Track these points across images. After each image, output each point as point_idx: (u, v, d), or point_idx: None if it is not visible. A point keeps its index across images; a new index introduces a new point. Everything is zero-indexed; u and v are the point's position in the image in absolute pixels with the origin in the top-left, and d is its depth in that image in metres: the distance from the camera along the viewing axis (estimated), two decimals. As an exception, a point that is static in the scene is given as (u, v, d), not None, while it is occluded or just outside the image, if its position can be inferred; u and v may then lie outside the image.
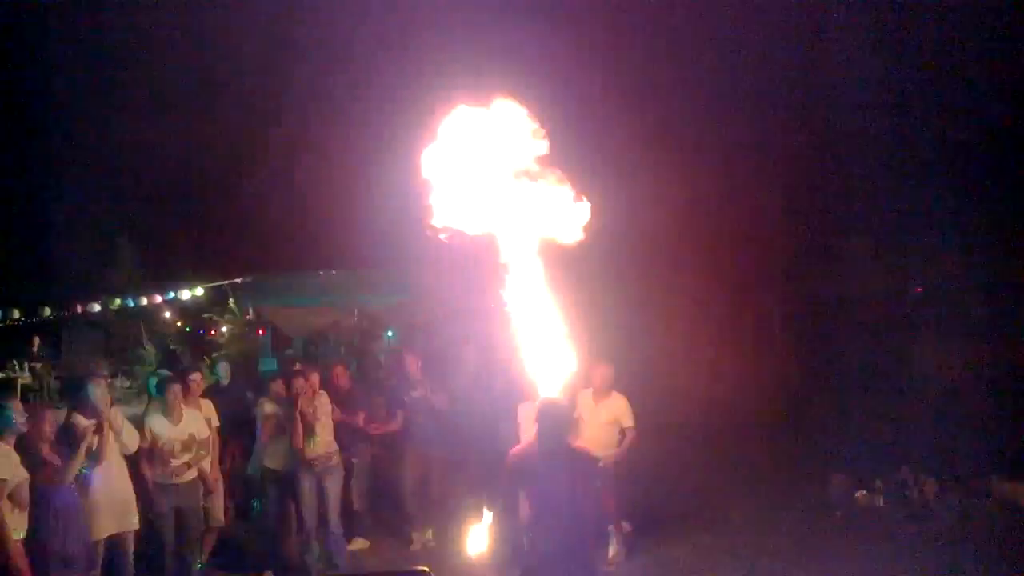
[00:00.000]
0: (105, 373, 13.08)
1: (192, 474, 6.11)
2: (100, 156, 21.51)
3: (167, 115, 22.65)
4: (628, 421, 6.63)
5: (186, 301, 15.35)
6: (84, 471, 5.19)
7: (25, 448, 4.79)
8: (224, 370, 8.29)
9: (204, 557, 6.48)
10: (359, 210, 21.18)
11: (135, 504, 5.55)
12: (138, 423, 5.97)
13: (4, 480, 4.45)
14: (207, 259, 17.20)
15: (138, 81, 22.51)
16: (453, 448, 7.16)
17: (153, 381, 7.43)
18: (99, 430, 5.23)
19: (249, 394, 8.04)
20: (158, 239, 19.46)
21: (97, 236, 19.03)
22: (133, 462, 5.72)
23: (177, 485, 6.00)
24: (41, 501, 4.86)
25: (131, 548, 5.50)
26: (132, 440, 5.61)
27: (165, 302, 15.30)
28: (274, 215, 21.73)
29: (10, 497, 4.49)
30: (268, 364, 12.20)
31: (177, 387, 6.13)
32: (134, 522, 5.51)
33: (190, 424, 6.13)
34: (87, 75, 22.04)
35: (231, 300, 15.42)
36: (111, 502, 5.36)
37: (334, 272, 15.39)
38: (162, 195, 21.38)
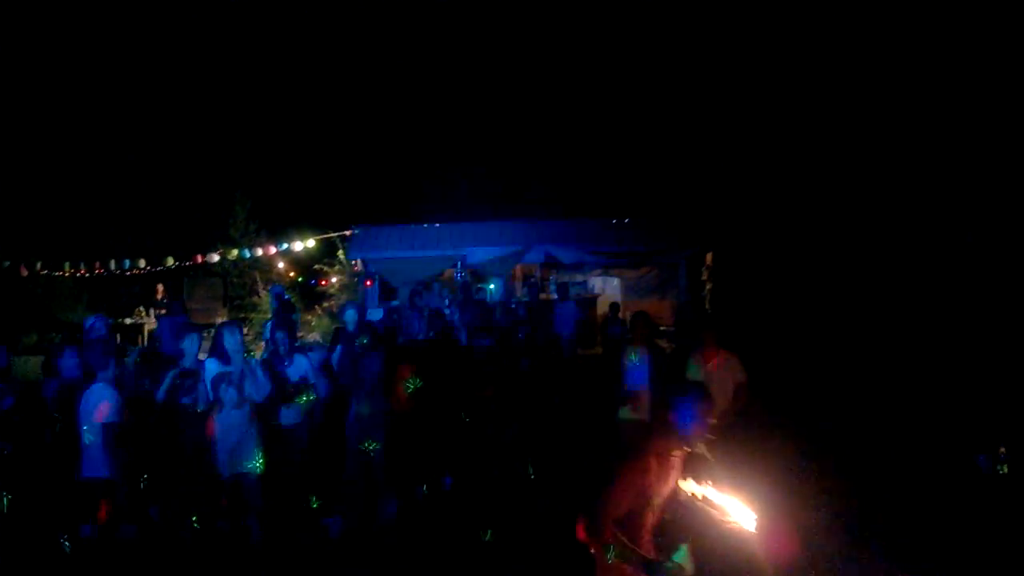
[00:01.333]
0: (229, 320, 13.57)
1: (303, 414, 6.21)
2: (218, 115, 22.33)
3: (278, 76, 23.30)
4: (741, 376, 6.39)
5: (298, 252, 15.84)
6: (213, 414, 5.40)
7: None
8: (352, 318, 7.75)
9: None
10: (465, 162, 21.29)
11: (257, 448, 5.62)
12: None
13: (114, 423, 4.73)
14: (318, 212, 17.64)
15: (251, 49, 23.20)
16: None
17: (268, 328, 7.60)
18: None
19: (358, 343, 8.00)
20: (272, 193, 20.08)
21: (216, 191, 19.78)
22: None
23: (295, 427, 6.13)
24: (166, 440, 5.10)
25: (256, 490, 5.58)
26: (257, 387, 5.73)
27: (279, 253, 15.84)
28: (382, 168, 22.13)
29: (117, 437, 4.78)
30: (375, 314, 12.38)
31: (283, 333, 6.26)
32: (256, 465, 5.59)
33: (300, 368, 6.26)
34: (206, 47, 22.89)
35: (340, 251, 15.79)
36: (230, 444, 5.50)
37: (438, 225, 15.48)
38: (276, 150, 22.09)
